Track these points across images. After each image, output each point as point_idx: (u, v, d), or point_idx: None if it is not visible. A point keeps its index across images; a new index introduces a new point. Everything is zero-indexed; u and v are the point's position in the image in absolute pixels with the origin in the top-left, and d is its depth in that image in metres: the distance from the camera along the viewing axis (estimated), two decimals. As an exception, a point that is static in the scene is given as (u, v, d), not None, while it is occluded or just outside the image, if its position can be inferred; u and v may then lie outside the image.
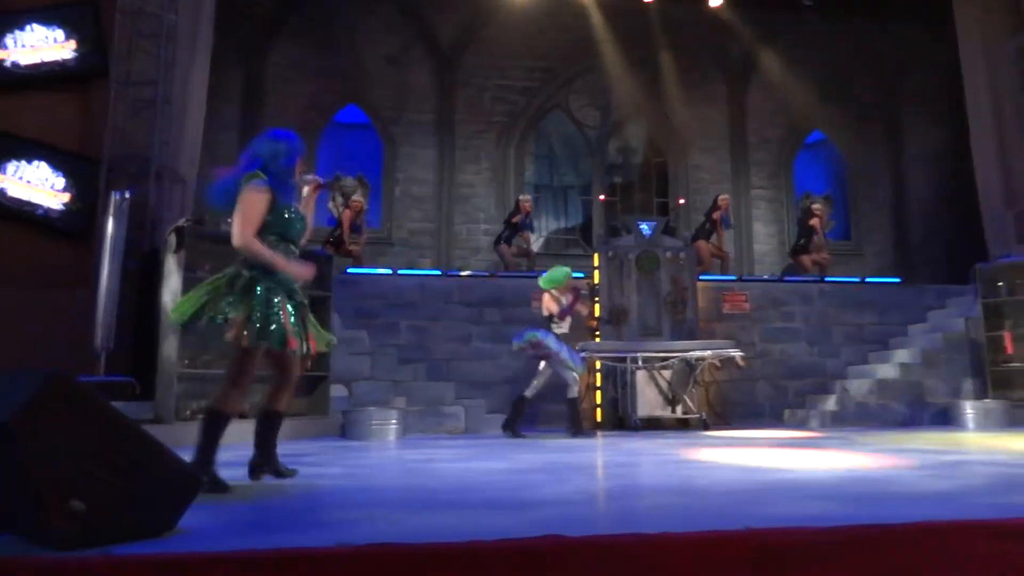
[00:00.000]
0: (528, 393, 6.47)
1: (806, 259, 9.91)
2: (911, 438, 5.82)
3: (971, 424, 7.12)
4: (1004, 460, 4.04)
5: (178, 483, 2.10)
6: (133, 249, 6.30)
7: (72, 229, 6.71)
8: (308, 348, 3.12)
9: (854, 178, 12.13)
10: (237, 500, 2.79)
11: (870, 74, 12.07)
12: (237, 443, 3.63)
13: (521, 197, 9.99)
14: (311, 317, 3.23)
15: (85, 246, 6.49)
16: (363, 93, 11.28)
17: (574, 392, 6.41)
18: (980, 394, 7.76)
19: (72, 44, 6.97)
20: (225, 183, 3.10)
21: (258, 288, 2.96)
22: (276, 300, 2.97)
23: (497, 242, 9.83)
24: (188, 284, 5.84)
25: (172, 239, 5.91)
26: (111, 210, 6.04)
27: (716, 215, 9.75)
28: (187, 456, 2.20)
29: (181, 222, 6.03)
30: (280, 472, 3.31)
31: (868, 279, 9.81)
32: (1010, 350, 7.82)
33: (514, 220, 9.68)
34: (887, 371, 8.11)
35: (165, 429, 5.15)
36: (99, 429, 1.93)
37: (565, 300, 6.44)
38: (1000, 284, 8.05)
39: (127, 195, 6.10)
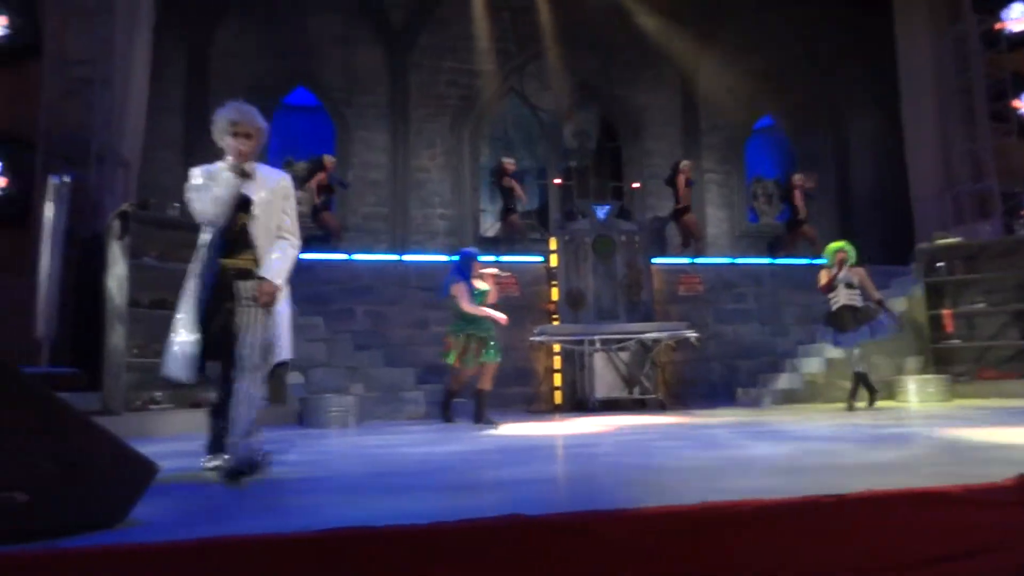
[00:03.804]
0: (864, 368, 6.58)
1: (808, 229, 10.10)
2: (858, 414, 6.02)
3: (914, 399, 7.41)
4: (941, 433, 4.21)
5: (129, 473, 2.04)
6: (74, 235, 6.05)
7: (8, 215, 6.42)
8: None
9: (801, 163, 12.40)
10: (195, 489, 2.72)
11: (817, 61, 12.33)
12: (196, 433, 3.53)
13: (504, 159, 9.93)
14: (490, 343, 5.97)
15: (23, 232, 6.21)
16: (313, 74, 11.02)
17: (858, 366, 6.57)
18: (922, 370, 8.07)
19: (2, 20, 6.63)
20: (446, 282, 6.18)
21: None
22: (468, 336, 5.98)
23: (503, 214, 9.89)
24: (134, 271, 5.65)
25: (116, 224, 5.70)
26: (49, 195, 5.78)
27: (680, 180, 9.89)
28: (142, 446, 2.13)
29: (125, 207, 5.81)
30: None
31: (816, 261, 10.07)
32: (950, 328, 8.14)
33: (504, 183, 9.63)
34: (835, 350, 8.35)
35: (115, 420, 4.99)
36: (42, 419, 1.85)
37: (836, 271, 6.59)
38: (940, 264, 8.36)
39: (66, 179, 5.84)
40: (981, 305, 8.17)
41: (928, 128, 9.75)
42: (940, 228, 9.09)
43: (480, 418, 5.92)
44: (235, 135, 3.06)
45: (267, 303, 2.99)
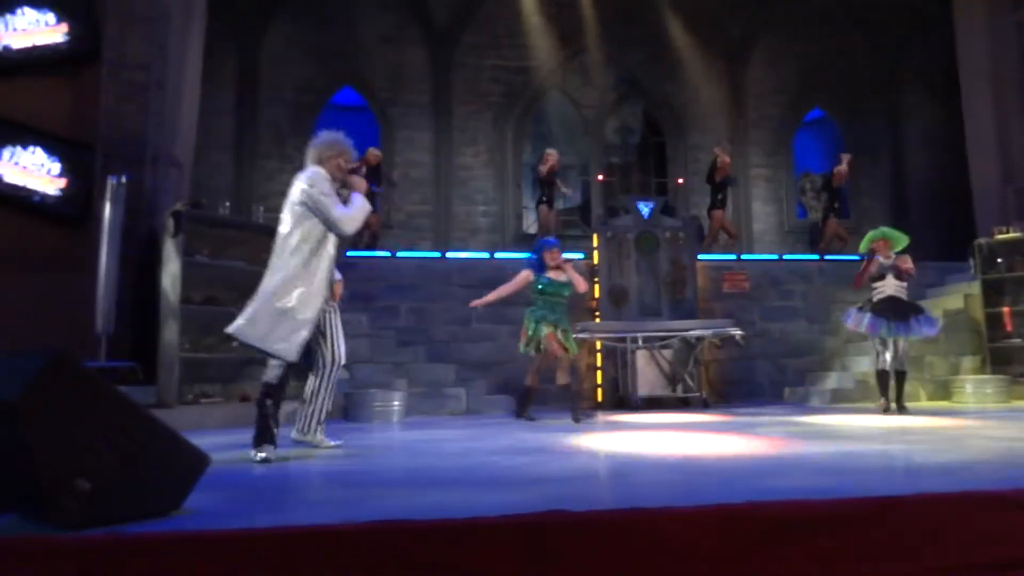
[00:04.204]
0: (904, 367, 6.04)
1: (832, 223, 9.84)
2: (909, 415, 5.84)
3: (971, 400, 7.15)
4: (999, 435, 4.06)
5: (183, 464, 2.11)
6: (130, 234, 6.27)
7: (69, 215, 6.67)
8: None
9: (853, 156, 12.06)
10: (244, 480, 2.80)
11: (870, 51, 11.97)
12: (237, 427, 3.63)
13: (547, 151, 9.86)
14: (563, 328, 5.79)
15: (82, 232, 6.45)
16: (359, 75, 11.18)
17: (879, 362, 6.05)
18: (979, 370, 7.79)
19: (64, 27, 6.88)
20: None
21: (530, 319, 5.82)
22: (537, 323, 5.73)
23: (538, 203, 9.86)
24: (187, 269, 5.84)
25: (170, 223, 5.88)
26: (108, 195, 6.00)
27: (720, 176, 9.70)
28: (194, 438, 2.21)
29: (178, 206, 6.00)
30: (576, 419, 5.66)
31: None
32: (1009, 327, 7.83)
33: (542, 177, 9.61)
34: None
35: (168, 413, 5.16)
36: (103, 410, 1.93)
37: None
38: (999, 260, 8.04)
39: (123, 180, 6.06)
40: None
41: (988, 118, 9.38)
42: (1001, 222, 8.74)
43: (521, 412, 5.93)
44: (345, 161, 3.74)
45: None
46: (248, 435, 3.41)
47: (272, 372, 3.45)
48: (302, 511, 2.14)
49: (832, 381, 7.97)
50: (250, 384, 6.48)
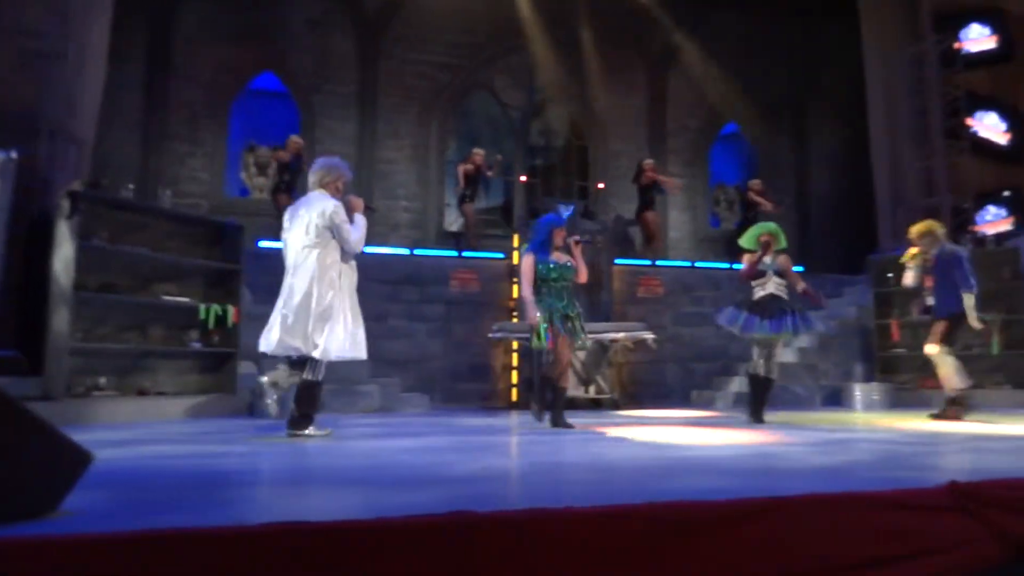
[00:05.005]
0: (774, 375, 5.70)
1: None
2: (804, 417, 6.16)
3: (859, 405, 7.62)
4: (886, 438, 4.33)
5: (62, 462, 1.97)
6: (20, 213, 5.83)
7: (-51, 190, 6.14)
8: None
9: (762, 171, 12.63)
10: (131, 479, 2.65)
11: (783, 70, 12.56)
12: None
13: (474, 150, 9.87)
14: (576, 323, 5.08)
15: (-35, 209, 5.95)
16: (281, 59, 10.81)
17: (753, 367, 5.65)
18: (868, 377, 8.31)
19: (-48, -12, 6.35)
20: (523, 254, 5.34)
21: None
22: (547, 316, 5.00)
23: (460, 201, 9.81)
24: (82, 253, 5.48)
25: (65, 204, 5.51)
26: (-5, 170, 5.56)
27: (647, 180, 9.96)
28: (77, 435, 2.06)
29: (75, 185, 5.63)
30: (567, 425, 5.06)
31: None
32: (896, 337, 8.40)
33: (467, 173, 9.60)
34: (787, 355, 8.53)
35: (54, 406, 4.84)
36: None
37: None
38: (889, 275, 8.60)
39: (13, 155, 5.63)
40: (926, 316, 8.43)
41: (886, 143, 10.03)
42: (896, 241, 9.33)
43: (556, 420, 5.08)
44: (342, 183, 4.22)
45: None
46: (144, 431, 3.23)
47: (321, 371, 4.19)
48: (193, 513, 2.03)
49: (736, 385, 8.31)
50: (147, 377, 6.15)
